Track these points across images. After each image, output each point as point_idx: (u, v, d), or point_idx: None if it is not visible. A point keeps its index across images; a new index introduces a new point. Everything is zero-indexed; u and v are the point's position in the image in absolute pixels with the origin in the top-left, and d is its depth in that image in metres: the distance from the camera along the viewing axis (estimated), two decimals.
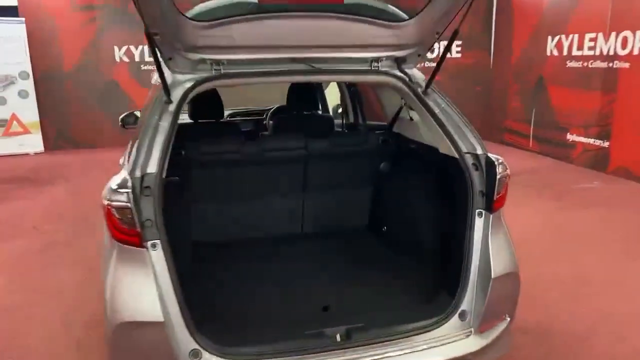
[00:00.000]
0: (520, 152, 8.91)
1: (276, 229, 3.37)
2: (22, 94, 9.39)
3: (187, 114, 3.70)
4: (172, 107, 2.26)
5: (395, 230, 3.19)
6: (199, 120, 3.80)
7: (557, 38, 8.10)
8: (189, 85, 2.33)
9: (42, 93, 9.50)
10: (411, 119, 3.10)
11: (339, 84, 4.39)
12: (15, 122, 9.49)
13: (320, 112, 5.33)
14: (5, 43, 9.07)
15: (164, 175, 2.12)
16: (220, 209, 3.25)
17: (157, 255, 1.96)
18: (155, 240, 1.96)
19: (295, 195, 3.35)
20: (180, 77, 2.39)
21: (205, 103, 3.70)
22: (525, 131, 9.04)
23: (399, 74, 2.61)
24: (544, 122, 8.53)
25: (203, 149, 3.04)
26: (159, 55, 2.27)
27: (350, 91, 4.26)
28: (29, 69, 9.30)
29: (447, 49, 2.39)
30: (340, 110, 4.66)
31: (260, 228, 3.35)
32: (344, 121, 4.44)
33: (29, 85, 9.38)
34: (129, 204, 1.90)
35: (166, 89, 2.25)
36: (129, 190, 1.91)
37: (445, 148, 2.54)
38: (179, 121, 2.31)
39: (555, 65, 8.16)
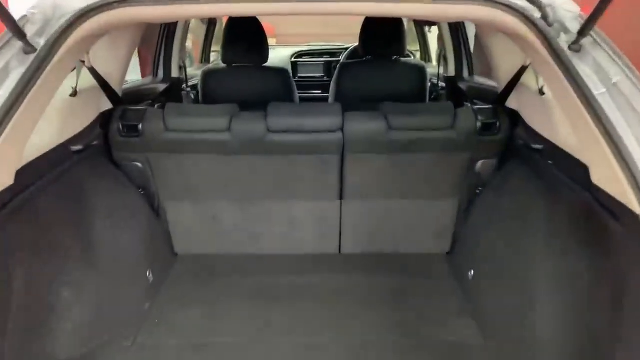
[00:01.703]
0: None
1: (296, 245, 2.22)
2: None
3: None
4: (30, 60, 1.17)
5: (487, 288, 1.86)
6: (234, 65, 2.73)
7: None
8: (68, 17, 1.20)
9: None
10: (542, 91, 1.67)
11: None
12: None
13: (412, 60, 3.93)
14: None
15: None
16: (206, 212, 2.16)
17: None
18: None
19: (326, 201, 2.14)
20: (65, 3, 1.25)
21: (241, 40, 2.62)
22: None
23: (519, 2, 1.22)
24: None
25: (170, 124, 1.92)
26: None
27: (452, 27, 2.81)
28: None
29: None
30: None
31: (268, 243, 2.23)
32: (440, 72, 3.03)
33: None
34: None
35: (12, 24, 1.13)
36: None
37: (606, 175, 1.15)
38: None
39: None
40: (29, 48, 1.18)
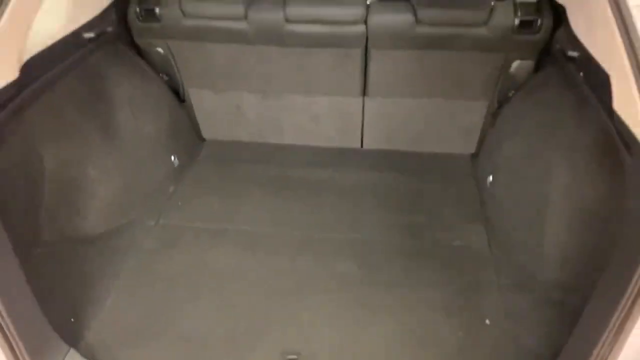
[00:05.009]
0: None
1: (318, 138, 2.23)
2: None
3: None
4: None
5: (502, 195, 1.81)
6: None
7: None
8: None
9: None
10: None
11: None
12: None
13: None
14: None
15: None
16: (229, 101, 2.17)
17: None
18: None
19: (348, 96, 2.08)
20: None
21: None
22: None
23: None
24: None
25: (186, 9, 1.86)
26: None
27: None
28: None
29: None
30: None
31: (291, 134, 2.25)
32: None
33: None
34: None
35: None
36: None
37: (624, 100, 1.03)
38: None
39: None
40: None
